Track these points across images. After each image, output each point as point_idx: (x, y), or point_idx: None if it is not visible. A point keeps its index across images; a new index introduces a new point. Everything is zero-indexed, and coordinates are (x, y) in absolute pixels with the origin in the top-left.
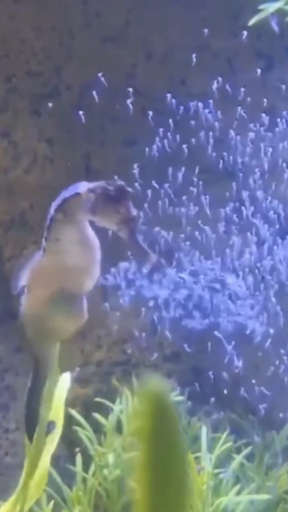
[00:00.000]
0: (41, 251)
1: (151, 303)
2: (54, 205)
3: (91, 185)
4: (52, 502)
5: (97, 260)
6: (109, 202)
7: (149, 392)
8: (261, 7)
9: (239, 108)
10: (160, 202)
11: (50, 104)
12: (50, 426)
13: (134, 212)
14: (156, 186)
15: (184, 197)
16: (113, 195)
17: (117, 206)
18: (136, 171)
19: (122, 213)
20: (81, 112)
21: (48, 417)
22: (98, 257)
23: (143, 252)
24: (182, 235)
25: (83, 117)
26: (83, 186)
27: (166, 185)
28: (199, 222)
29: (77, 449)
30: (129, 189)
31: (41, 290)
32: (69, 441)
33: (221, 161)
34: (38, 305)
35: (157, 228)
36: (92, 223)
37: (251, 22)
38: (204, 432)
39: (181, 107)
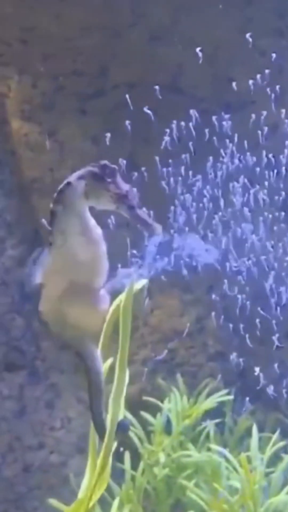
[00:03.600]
0: (49, 247)
1: (194, 303)
2: (53, 199)
3: (80, 172)
4: (117, 500)
5: (102, 251)
6: (97, 183)
7: None
8: None
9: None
10: (204, 202)
11: (96, 103)
12: (123, 424)
13: (125, 187)
14: (200, 184)
15: (232, 197)
16: (100, 176)
17: (106, 185)
18: (182, 170)
19: (112, 190)
20: (126, 111)
21: (118, 416)
22: (103, 248)
23: (146, 224)
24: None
25: (128, 116)
26: (74, 175)
27: (211, 183)
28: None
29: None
30: (114, 166)
31: (54, 286)
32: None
33: (268, 159)
34: (54, 302)
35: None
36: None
37: None
38: (255, 432)
39: (227, 106)
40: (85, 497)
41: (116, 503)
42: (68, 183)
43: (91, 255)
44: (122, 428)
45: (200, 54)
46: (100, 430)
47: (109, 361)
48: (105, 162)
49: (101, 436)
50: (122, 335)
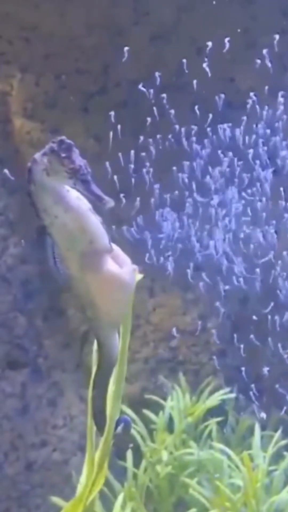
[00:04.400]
0: (46, 230)
1: (196, 300)
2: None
3: (44, 148)
4: (120, 498)
5: (83, 211)
6: (54, 159)
7: None
8: None
9: None
10: (210, 194)
11: (98, 101)
12: (126, 421)
13: (78, 162)
14: (205, 180)
15: (238, 193)
16: (56, 151)
17: (61, 160)
18: (185, 167)
19: (67, 165)
20: (128, 109)
21: (118, 412)
22: (82, 208)
23: (100, 198)
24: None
25: (130, 114)
26: (39, 152)
27: (215, 178)
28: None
29: (130, 445)
30: (70, 141)
31: (71, 266)
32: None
33: (271, 158)
34: (77, 282)
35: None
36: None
37: None
38: (257, 430)
39: (230, 104)
40: (83, 494)
41: (119, 501)
42: (34, 160)
43: (75, 219)
44: (126, 425)
45: (202, 52)
46: (100, 423)
47: None
48: (62, 137)
49: (101, 430)
50: (123, 331)
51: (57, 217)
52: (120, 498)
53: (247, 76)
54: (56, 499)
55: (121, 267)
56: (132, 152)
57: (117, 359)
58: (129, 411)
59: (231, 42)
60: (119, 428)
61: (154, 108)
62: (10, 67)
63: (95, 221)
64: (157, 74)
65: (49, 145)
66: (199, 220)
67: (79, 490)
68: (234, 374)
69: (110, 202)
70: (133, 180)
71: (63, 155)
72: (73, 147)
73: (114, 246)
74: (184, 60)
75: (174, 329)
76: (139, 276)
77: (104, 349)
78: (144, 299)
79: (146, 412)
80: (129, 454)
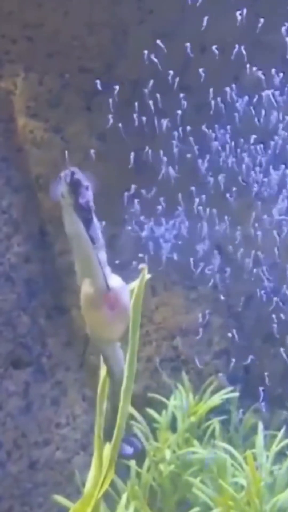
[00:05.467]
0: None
1: (199, 299)
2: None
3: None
4: (124, 497)
5: (89, 251)
6: (65, 188)
7: None
8: None
9: None
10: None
11: (101, 100)
12: (132, 445)
13: (82, 199)
14: (210, 179)
15: (243, 189)
16: (66, 181)
17: (68, 192)
18: (187, 165)
19: (72, 198)
20: (132, 108)
21: (128, 410)
22: (89, 247)
23: (93, 241)
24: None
25: (134, 113)
26: (63, 172)
27: (220, 177)
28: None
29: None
30: (79, 177)
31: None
32: None
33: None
34: (81, 301)
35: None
36: None
37: None
38: (260, 429)
39: (234, 102)
40: (93, 493)
41: (124, 500)
42: (59, 177)
43: (83, 254)
44: (136, 451)
45: (206, 50)
46: (110, 436)
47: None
48: (74, 169)
49: (109, 438)
50: (132, 329)
51: (71, 238)
52: (124, 497)
53: (251, 74)
54: (58, 498)
55: (113, 308)
56: (134, 151)
57: (123, 370)
58: (132, 409)
59: (236, 39)
60: (131, 450)
61: (156, 107)
62: (13, 66)
63: (95, 261)
64: (159, 72)
65: (66, 172)
66: (203, 218)
67: (87, 489)
68: (237, 373)
69: (101, 248)
70: (135, 178)
71: (70, 188)
72: (80, 183)
73: (115, 283)
74: (188, 59)
75: (180, 328)
76: (147, 276)
77: (107, 362)
78: (147, 297)
79: (149, 410)
80: None
